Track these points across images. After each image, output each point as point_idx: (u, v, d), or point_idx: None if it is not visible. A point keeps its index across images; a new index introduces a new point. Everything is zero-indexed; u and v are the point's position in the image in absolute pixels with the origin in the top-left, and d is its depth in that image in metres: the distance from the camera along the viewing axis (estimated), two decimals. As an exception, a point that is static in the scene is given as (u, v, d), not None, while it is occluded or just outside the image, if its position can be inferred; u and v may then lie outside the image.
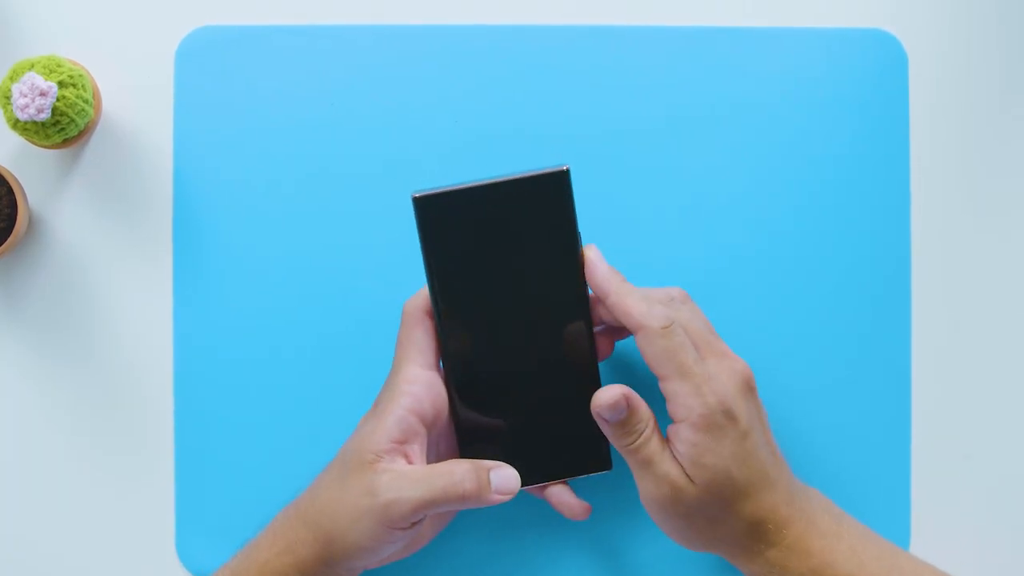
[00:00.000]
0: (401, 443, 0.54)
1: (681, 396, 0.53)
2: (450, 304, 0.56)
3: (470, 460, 0.55)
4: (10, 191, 0.62)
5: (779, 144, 0.64)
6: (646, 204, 0.64)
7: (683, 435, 0.54)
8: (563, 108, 0.64)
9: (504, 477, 0.55)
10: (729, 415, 0.53)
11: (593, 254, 0.55)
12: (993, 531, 0.64)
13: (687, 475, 0.54)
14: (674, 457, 0.54)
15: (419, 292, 0.57)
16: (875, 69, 0.65)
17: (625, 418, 0.54)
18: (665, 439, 0.55)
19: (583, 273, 0.56)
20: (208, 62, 0.64)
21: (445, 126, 0.64)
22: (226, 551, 0.62)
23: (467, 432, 0.57)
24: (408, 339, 0.56)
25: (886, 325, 0.64)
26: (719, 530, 0.54)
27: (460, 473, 0.54)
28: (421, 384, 0.55)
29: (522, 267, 0.55)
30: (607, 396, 0.54)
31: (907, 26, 0.65)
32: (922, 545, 0.64)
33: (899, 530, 0.64)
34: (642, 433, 0.54)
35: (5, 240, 0.61)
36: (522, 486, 0.57)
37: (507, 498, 0.55)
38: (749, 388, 0.55)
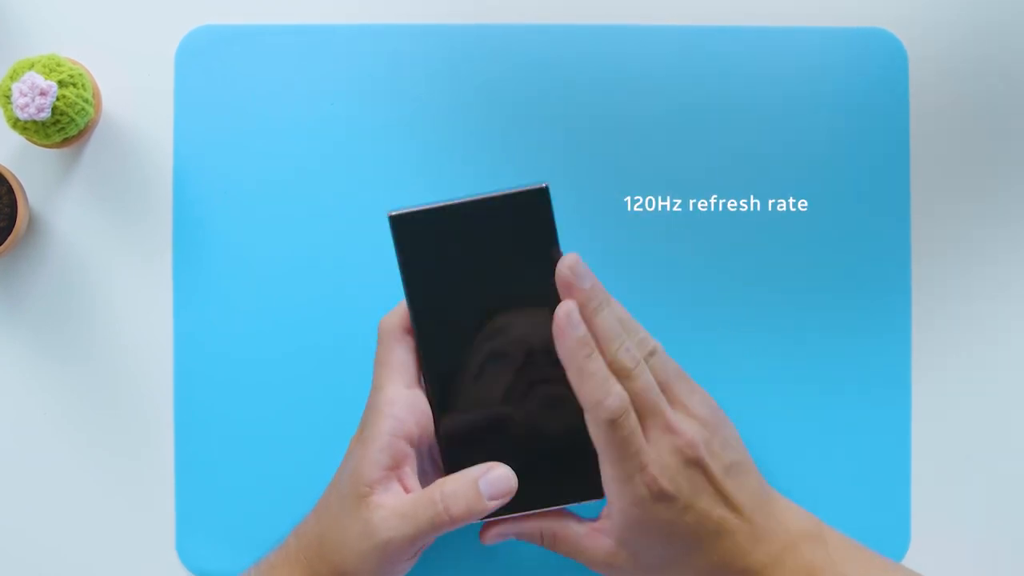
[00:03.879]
0: (392, 469, 0.54)
1: (614, 484, 0.54)
2: (429, 324, 0.55)
3: (455, 476, 0.54)
4: (10, 190, 0.62)
5: (779, 144, 0.64)
6: (645, 203, 0.64)
7: (615, 516, 0.55)
8: (563, 108, 0.64)
9: (494, 482, 0.54)
10: (663, 496, 0.53)
11: (562, 318, 0.53)
12: (993, 532, 0.64)
13: (615, 551, 0.55)
14: (595, 539, 0.56)
15: (395, 309, 0.56)
16: (875, 69, 0.65)
17: (517, 539, 0.57)
18: (579, 524, 0.56)
19: None
20: (208, 62, 0.64)
21: (445, 126, 0.64)
22: (226, 551, 0.62)
23: (452, 458, 0.56)
24: (387, 358, 0.55)
25: (886, 325, 0.64)
26: None
27: (442, 499, 0.53)
28: (402, 404, 0.54)
29: (503, 285, 0.55)
30: (488, 533, 0.57)
31: (907, 26, 0.65)
32: (922, 546, 0.64)
33: (899, 531, 0.64)
34: (541, 543, 0.57)
35: (5, 240, 0.61)
36: (509, 513, 0.56)
37: (505, 501, 0.54)
38: (691, 461, 0.54)
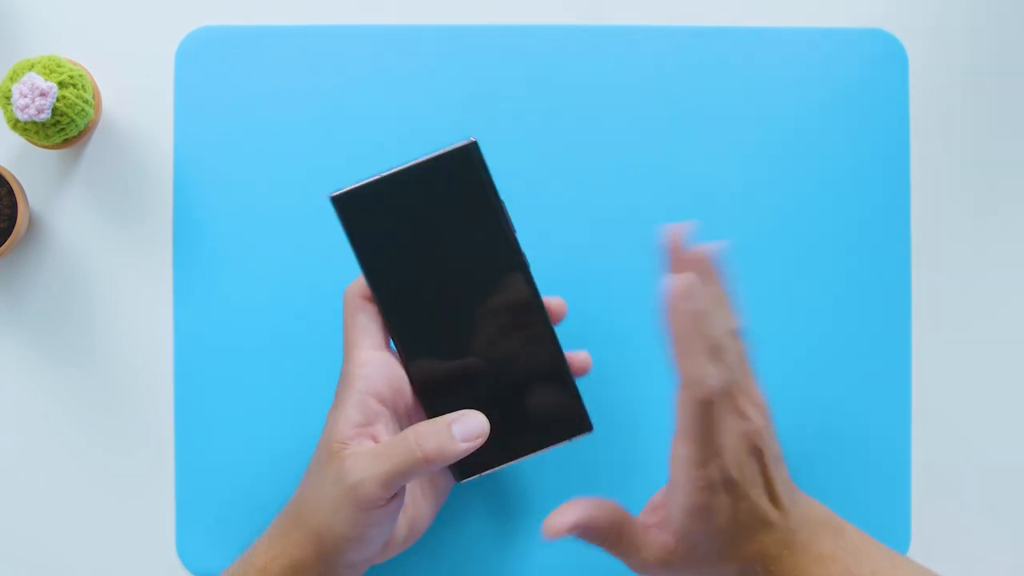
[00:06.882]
0: (365, 426, 0.54)
1: (688, 465, 0.53)
2: (390, 293, 0.56)
3: (430, 420, 0.54)
4: (10, 191, 0.62)
5: (779, 144, 0.64)
6: (644, 204, 0.64)
7: (676, 501, 0.54)
8: (563, 108, 0.64)
9: (467, 426, 0.54)
10: (729, 483, 0.53)
11: (681, 290, 0.52)
12: (993, 531, 0.64)
13: (672, 548, 0.54)
14: (654, 536, 0.55)
15: (357, 279, 0.57)
16: (875, 69, 0.65)
17: (581, 535, 0.55)
18: (635, 521, 0.55)
19: (516, 239, 0.56)
20: (208, 62, 0.64)
21: (444, 126, 0.64)
22: (226, 551, 0.62)
23: (434, 413, 0.57)
24: (352, 325, 0.56)
25: (886, 325, 0.64)
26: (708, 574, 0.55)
27: (415, 437, 0.53)
28: (372, 365, 0.55)
29: (454, 244, 0.56)
30: (558, 526, 0.54)
31: (907, 26, 0.65)
32: (922, 545, 0.64)
33: (899, 530, 0.64)
34: (604, 540, 0.55)
35: (5, 240, 0.61)
36: (504, 463, 0.57)
37: (477, 443, 0.54)
38: (753, 450, 0.54)
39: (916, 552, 0.64)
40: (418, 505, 0.58)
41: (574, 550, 0.63)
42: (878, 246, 0.64)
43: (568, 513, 0.55)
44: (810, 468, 0.63)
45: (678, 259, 0.54)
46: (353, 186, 0.55)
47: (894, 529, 0.64)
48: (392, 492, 0.53)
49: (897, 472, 0.64)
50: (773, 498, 0.54)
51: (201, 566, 0.63)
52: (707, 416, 0.52)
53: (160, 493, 0.64)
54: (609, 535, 0.55)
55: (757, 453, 0.54)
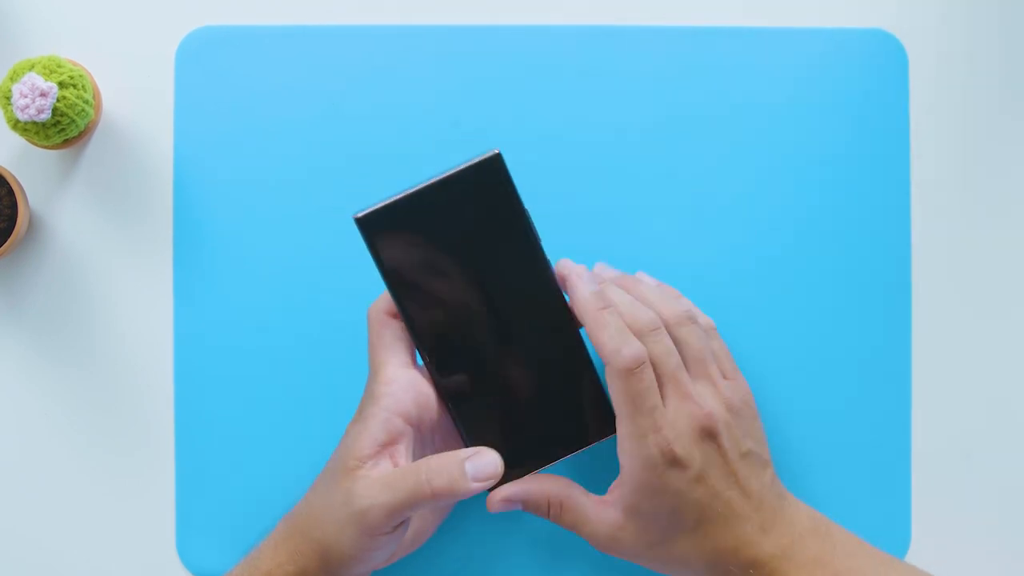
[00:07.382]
0: (386, 446, 0.54)
1: (627, 441, 0.54)
2: (416, 309, 0.55)
3: (445, 453, 0.54)
4: (10, 191, 0.62)
5: (779, 144, 0.64)
6: (645, 205, 0.64)
7: (625, 480, 0.55)
8: (563, 108, 0.64)
9: (480, 465, 0.54)
10: (675, 462, 0.53)
11: (574, 276, 0.56)
12: (993, 531, 0.64)
13: (621, 524, 0.55)
14: (601, 511, 0.56)
15: (381, 296, 0.57)
16: (875, 69, 0.65)
17: (523, 508, 0.57)
18: (586, 496, 0.56)
19: (542, 250, 0.56)
20: (208, 62, 0.64)
21: (444, 126, 0.64)
22: (226, 551, 0.62)
23: (467, 426, 0.57)
24: (379, 342, 0.56)
25: (886, 325, 0.64)
26: (677, 568, 0.55)
27: (426, 471, 0.53)
28: (400, 384, 0.55)
29: (480, 256, 0.55)
30: (495, 499, 0.56)
31: (907, 26, 0.65)
32: (922, 546, 0.64)
33: (899, 530, 0.64)
34: (547, 513, 0.56)
35: (5, 240, 0.61)
36: (537, 469, 0.57)
37: (488, 484, 0.54)
38: (707, 434, 0.54)
39: (916, 553, 0.64)
40: (423, 512, 0.58)
41: (576, 553, 0.63)
42: (878, 247, 0.64)
43: (503, 488, 0.56)
44: (810, 469, 0.63)
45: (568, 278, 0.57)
46: (377, 206, 0.54)
47: (894, 529, 0.64)
48: (398, 522, 0.53)
49: (897, 472, 0.64)
50: (744, 492, 0.54)
51: (201, 566, 0.63)
52: (631, 387, 0.53)
53: (160, 493, 0.64)
54: (551, 508, 0.56)
55: (711, 437, 0.54)
